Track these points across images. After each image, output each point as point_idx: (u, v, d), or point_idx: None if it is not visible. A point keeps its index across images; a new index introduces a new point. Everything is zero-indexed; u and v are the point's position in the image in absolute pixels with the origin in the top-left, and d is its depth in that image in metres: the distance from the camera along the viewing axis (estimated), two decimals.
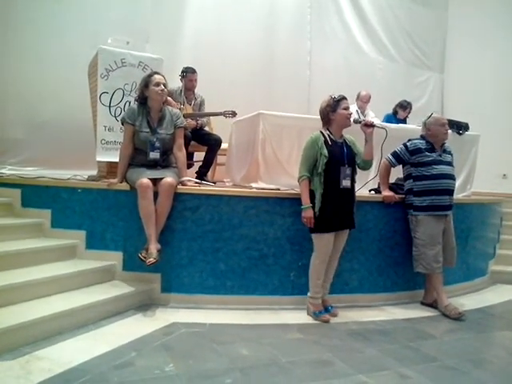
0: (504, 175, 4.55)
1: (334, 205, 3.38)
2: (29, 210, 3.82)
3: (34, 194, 3.84)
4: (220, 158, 5.50)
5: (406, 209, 3.98)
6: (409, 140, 3.96)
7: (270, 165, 4.23)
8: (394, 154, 3.96)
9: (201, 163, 5.04)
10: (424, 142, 3.89)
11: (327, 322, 3.41)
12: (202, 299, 3.58)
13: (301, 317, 3.50)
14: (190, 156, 4.89)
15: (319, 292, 3.51)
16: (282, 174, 4.21)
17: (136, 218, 3.47)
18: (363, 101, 6.21)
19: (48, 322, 2.77)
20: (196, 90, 5.21)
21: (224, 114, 4.93)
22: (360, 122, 3.59)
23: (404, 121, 6.28)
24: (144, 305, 3.47)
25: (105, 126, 4.06)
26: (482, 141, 5.10)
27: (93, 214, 3.68)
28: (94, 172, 4.35)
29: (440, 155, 3.85)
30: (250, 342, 2.95)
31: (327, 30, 7.66)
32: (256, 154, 4.24)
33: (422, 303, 4.00)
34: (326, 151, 3.35)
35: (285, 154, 4.28)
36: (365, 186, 3.95)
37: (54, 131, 5.13)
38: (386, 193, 3.99)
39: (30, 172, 4.72)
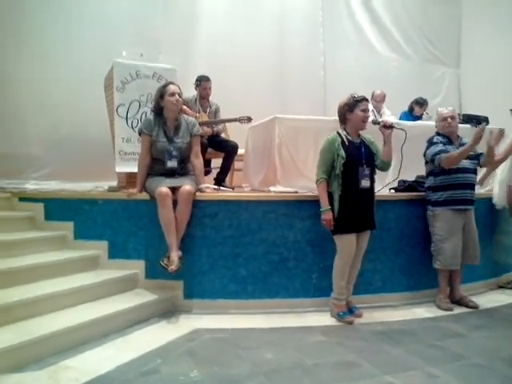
0: None
1: (353, 206, 3.35)
2: (52, 223, 3.91)
3: (57, 207, 3.93)
4: (237, 164, 5.52)
5: (425, 205, 3.93)
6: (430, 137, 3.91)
7: (287, 168, 4.22)
8: (441, 149, 3.77)
9: (218, 170, 5.06)
10: (440, 137, 3.86)
11: (351, 323, 3.38)
12: (224, 305, 3.59)
13: (324, 319, 3.47)
14: (207, 163, 4.92)
15: (343, 294, 3.48)
16: (300, 177, 4.19)
17: (156, 227, 3.50)
18: (377, 100, 6.17)
19: (74, 332, 2.82)
20: (210, 98, 5.25)
21: (239, 119, 4.95)
22: (379, 123, 3.54)
23: (420, 117, 6.21)
24: (167, 312, 3.50)
25: (122, 138, 4.13)
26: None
27: (114, 224, 3.74)
28: (114, 183, 4.41)
29: (457, 149, 3.79)
30: (274, 345, 2.94)
31: (339, 30, 7.61)
32: (273, 158, 4.24)
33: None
34: (343, 152, 3.33)
35: (301, 156, 4.26)
36: (385, 187, 3.90)
37: (73, 145, 5.21)
38: None
39: (51, 186, 4.80)
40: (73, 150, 5.15)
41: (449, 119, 3.82)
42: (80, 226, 3.82)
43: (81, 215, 3.82)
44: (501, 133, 3.85)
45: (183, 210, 3.48)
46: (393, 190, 4.24)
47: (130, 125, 4.15)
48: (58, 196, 4.01)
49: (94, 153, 4.95)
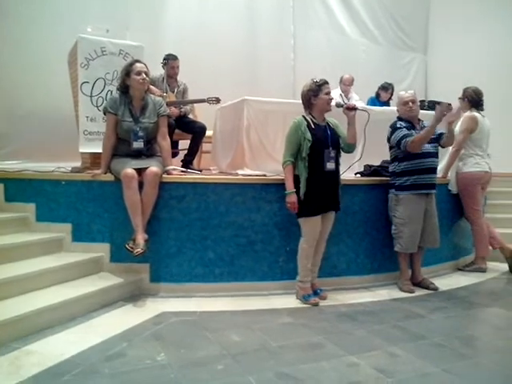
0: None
1: (319, 188, 3.40)
2: (13, 205, 3.77)
3: (18, 188, 3.79)
4: (205, 146, 5.47)
5: (388, 189, 4.01)
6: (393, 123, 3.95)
7: (255, 151, 4.22)
8: (406, 133, 3.79)
9: (186, 151, 5.00)
10: (402, 122, 3.89)
11: (316, 305, 3.45)
12: (191, 288, 3.59)
13: (290, 301, 3.52)
14: (174, 144, 4.85)
15: (308, 276, 3.53)
16: (268, 160, 4.20)
17: (122, 209, 3.45)
18: (346, 84, 6.21)
19: (37, 317, 2.76)
20: (179, 78, 5.15)
21: (207, 100, 4.88)
22: (342, 106, 3.59)
23: (387, 103, 6.29)
24: (133, 295, 3.47)
25: (87, 117, 4.00)
26: None
27: (78, 206, 3.65)
28: (78, 163, 4.30)
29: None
30: (241, 328, 2.97)
31: (310, 13, 7.60)
32: (241, 140, 4.22)
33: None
34: (309, 135, 3.36)
35: (270, 139, 4.27)
36: (350, 168, 3.94)
37: (36, 123, 5.06)
38: None
39: (12, 165, 4.64)
40: (35, 128, 5.01)
41: (410, 103, 3.86)
42: (42, 208, 3.70)
43: (43, 196, 3.71)
44: (449, 107, 3.89)
45: (149, 192, 3.43)
46: (358, 175, 4.30)
47: (94, 103, 4.02)
48: (18, 176, 3.86)
49: (57, 132, 4.82)
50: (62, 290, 3.10)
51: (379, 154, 4.18)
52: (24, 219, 3.70)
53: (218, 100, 4.89)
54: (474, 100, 4.55)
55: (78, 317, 2.99)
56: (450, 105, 4.76)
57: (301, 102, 3.56)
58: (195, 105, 5.34)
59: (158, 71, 5.01)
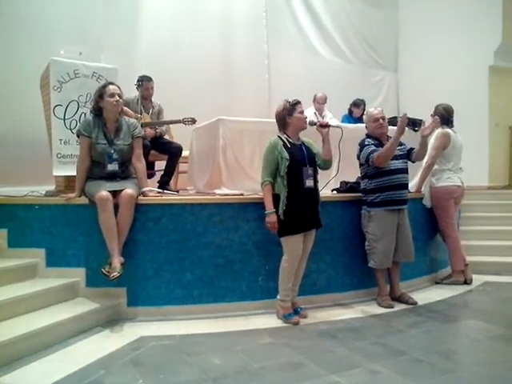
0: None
1: (299, 206, 3.41)
2: None
3: None
4: (182, 166, 5.46)
5: (361, 205, 4.04)
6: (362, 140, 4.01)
7: (232, 170, 4.23)
8: (373, 149, 3.83)
9: (162, 172, 4.97)
10: (370, 139, 3.94)
11: (297, 324, 3.42)
12: (170, 311, 3.53)
13: (271, 321, 3.50)
14: (150, 165, 4.82)
15: (289, 295, 3.52)
16: (245, 179, 4.21)
17: (97, 232, 3.39)
18: (319, 102, 6.30)
19: (10, 346, 2.67)
20: (153, 99, 5.15)
21: (183, 121, 4.88)
22: (315, 124, 3.64)
23: (360, 119, 6.39)
24: (111, 320, 3.40)
25: (60, 140, 3.95)
26: None
27: (52, 230, 3.58)
28: (52, 187, 4.23)
29: None
30: (221, 350, 2.93)
31: (283, 33, 7.76)
32: (217, 160, 4.23)
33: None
34: (286, 154, 3.39)
35: (246, 158, 4.28)
36: (327, 185, 3.96)
37: (9, 146, 4.97)
38: None
39: None
40: (8, 151, 4.90)
41: (380, 120, 3.92)
42: (14, 234, 3.61)
43: (15, 222, 3.62)
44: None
45: (125, 215, 3.39)
46: (335, 192, 4.34)
47: (68, 126, 3.97)
48: None
49: (30, 155, 4.74)
50: (37, 318, 3.02)
51: (355, 170, 4.22)
52: None
53: (193, 120, 4.89)
54: (444, 117, 4.67)
55: (54, 344, 2.91)
56: (421, 120, 4.91)
57: (274, 120, 3.59)
58: (171, 125, 5.33)
59: (132, 93, 4.99)
